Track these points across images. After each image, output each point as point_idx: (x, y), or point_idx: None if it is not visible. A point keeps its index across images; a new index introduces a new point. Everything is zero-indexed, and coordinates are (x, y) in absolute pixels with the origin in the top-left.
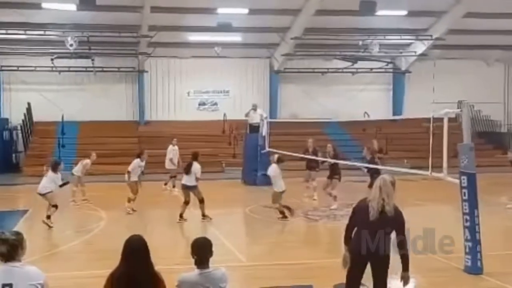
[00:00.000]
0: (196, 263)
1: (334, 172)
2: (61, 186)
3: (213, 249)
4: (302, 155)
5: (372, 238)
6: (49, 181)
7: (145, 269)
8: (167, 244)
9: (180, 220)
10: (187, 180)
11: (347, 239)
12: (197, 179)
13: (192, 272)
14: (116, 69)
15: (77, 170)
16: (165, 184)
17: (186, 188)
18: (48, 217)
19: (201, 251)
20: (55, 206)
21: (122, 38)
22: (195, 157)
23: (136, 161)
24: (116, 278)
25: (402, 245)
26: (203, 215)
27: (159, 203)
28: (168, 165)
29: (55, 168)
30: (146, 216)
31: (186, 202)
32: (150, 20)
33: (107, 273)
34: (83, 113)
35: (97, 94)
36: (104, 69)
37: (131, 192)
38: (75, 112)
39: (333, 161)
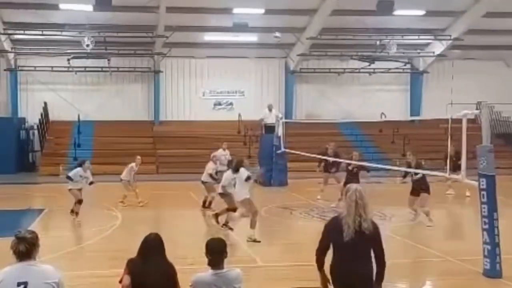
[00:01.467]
0: (210, 264)
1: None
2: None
3: (228, 249)
4: (322, 157)
5: (351, 262)
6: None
7: (160, 262)
8: (182, 244)
9: (223, 226)
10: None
11: (320, 264)
12: (222, 187)
13: (206, 272)
14: (132, 69)
15: (124, 175)
16: None
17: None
18: (72, 211)
19: (216, 251)
20: (78, 202)
21: (138, 38)
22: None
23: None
24: (132, 269)
25: (379, 263)
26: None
27: (176, 203)
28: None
29: (79, 165)
30: (159, 216)
31: (227, 210)
32: (165, 20)
33: (122, 273)
34: (99, 113)
35: (112, 94)
36: (120, 69)
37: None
38: (91, 111)
39: (352, 162)
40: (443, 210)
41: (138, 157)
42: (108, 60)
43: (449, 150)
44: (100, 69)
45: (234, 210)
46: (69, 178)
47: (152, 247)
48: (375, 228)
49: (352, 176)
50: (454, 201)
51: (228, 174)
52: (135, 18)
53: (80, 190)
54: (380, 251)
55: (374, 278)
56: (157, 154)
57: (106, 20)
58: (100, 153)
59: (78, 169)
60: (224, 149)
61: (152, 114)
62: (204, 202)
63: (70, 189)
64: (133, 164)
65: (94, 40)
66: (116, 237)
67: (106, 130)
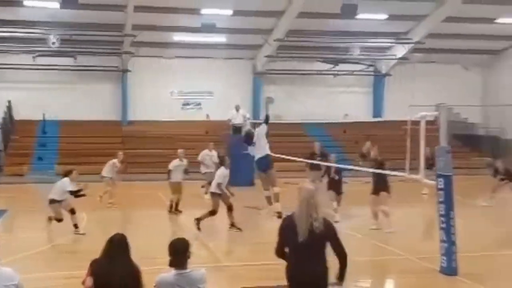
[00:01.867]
0: (171, 264)
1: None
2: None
3: (194, 250)
4: (312, 161)
5: (304, 262)
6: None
7: (125, 262)
8: (149, 245)
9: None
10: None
11: (283, 257)
12: (218, 184)
13: (169, 272)
14: (100, 68)
15: (106, 172)
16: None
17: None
18: (75, 226)
19: (178, 252)
20: (71, 211)
21: (105, 37)
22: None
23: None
24: (96, 269)
25: (340, 254)
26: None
27: (141, 204)
28: (203, 169)
29: (65, 175)
30: (128, 217)
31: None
32: (133, 19)
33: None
34: (65, 112)
35: (79, 93)
36: (87, 68)
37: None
38: (57, 111)
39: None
40: (404, 209)
41: (120, 152)
42: (75, 58)
43: (423, 150)
44: (66, 67)
45: (215, 213)
46: (72, 193)
47: (118, 247)
48: (328, 225)
49: (335, 184)
50: (414, 199)
51: (222, 171)
52: (103, 17)
53: (61, 203)
54: (337, 245)
55: (328, 277)
56: (126, 154)
57: (73, 18)
58: (66, 154)
59: (66, 179)
60: (210, 150)
61: (120, 114)
62: (171, 206)
63: (51, 201)
64: (115, 160)
65: (60, 38)
66: (82, 238)
67: (72, 130)
